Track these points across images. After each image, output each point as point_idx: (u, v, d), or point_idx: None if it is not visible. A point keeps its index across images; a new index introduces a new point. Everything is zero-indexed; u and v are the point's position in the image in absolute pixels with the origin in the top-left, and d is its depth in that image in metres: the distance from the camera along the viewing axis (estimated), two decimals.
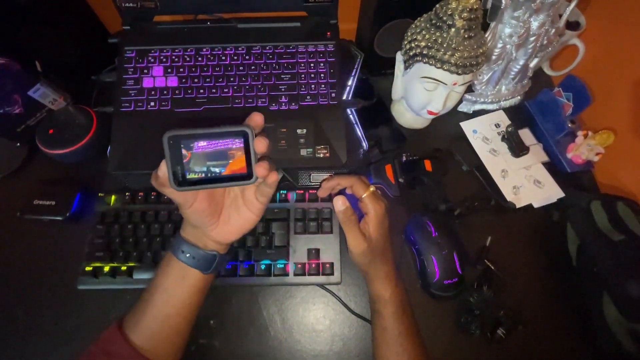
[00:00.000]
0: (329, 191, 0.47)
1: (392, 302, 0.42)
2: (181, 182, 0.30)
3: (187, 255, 0.37)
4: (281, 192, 0.53)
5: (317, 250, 0.50)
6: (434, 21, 0.45)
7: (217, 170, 0.30)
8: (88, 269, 0.48)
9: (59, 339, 0.47)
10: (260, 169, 0.31)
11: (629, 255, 0.45)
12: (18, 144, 0.56)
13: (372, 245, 0.42)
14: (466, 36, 0.44)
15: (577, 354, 0.48)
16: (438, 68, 0.46)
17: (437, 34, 0.45)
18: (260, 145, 0.31)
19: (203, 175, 0.30)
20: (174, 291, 0.38)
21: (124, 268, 0.48)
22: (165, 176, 0.30)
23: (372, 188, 0.43)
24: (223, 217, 0.37)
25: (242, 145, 0.30)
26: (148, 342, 0.37)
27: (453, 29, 0.43)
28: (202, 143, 0.29)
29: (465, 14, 0.42)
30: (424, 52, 0.46)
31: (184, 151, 0.29)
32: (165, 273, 0.38)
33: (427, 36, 0.46)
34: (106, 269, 0.48)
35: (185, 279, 0.38)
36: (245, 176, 0.31)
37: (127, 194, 0.52)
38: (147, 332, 0.37)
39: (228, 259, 0.43)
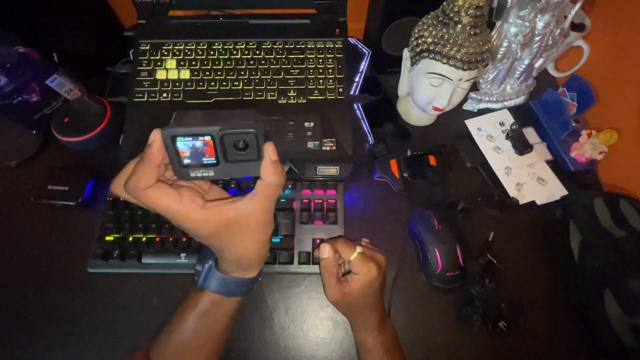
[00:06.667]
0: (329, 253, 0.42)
1: (375, 352, 0.42)
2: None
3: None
4: (288, 182, 0.55)
5: (322, 240, 0.51)
6: (440, 18, 0.46)
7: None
8: (98, 252, 0.50)
9: (69, 320, 0.48)
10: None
11: (631, 251, 0.45)
12: (34, 131, 0.58)
13: (350, 299, 0.41)
14: (472, 33, 0.45)
15: (577, 349, 0.48)
16: (444, 64, 0.47)
17: (444, 30, 0.46)
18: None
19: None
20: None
21: (133, 252, 0.50)
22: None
23: (359, 249, 0.42)
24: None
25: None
26: None
27: (459, 26, 0.45)
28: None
29: (472, 11, 0.43)
30: (431, 47, 0.47)
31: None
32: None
33: (433, 32, 0.47)
34: (116, 253, 0.50)
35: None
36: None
37: None
38: None
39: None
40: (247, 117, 0.29)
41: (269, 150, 0.30)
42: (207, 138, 0.28)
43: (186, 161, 0.29)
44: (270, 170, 0.30)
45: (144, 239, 0.51)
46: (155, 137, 0.28)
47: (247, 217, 0.31)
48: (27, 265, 0.51)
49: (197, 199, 0.29)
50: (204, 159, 0.29)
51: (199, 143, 0.28)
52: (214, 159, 0.29)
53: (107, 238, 0.51)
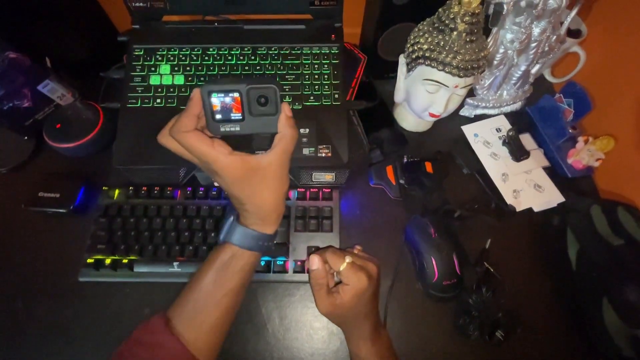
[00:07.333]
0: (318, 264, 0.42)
1: None
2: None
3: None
4: None
5: (317, 249, 0.50)
6: (436, 24, 0.46)
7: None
8: (89, 261, 0.49)
9: (59, 330, 0.47)
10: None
11: (629, 259, 0.45)
12: (26, 137, 0.58)
13: (341, 310, 0.40)
14: (468, 40, 0.44)
15: (575, 358, 0.47)
16: (440, 70, 0.46)
17: (440, 37, 0.46)
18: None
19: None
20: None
21: (125, 261, 0.49)
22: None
23: (348, 258, 0.41)
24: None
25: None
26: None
27: (455, 32, 0.44)
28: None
29: (467, 18, 0.43)
30: (427, 54, 0.47)
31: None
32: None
33: (429, 39, 0.46)
34: (107, 261, 0.49)
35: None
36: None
37: (130, 188, 0.53)
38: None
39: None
40: (267, 79, 0.36)
41: (285, 107, 0.36)
42: (236, 94, 0.35)
43: (217, 116, 0.35)
44: (285, 123, 0.36)
45: (136, 247, 0.50)
46: (196, 92, 0.36)
47: (266, 167, 0.36)
48: (16, 274, 0.50)
49: (226, 146, 0.35)
50: (232, 114, 0.36)
51: (228, 99, 0.35)
52: (240, 114, 0.36)
53: (99, 246, 0.50)
